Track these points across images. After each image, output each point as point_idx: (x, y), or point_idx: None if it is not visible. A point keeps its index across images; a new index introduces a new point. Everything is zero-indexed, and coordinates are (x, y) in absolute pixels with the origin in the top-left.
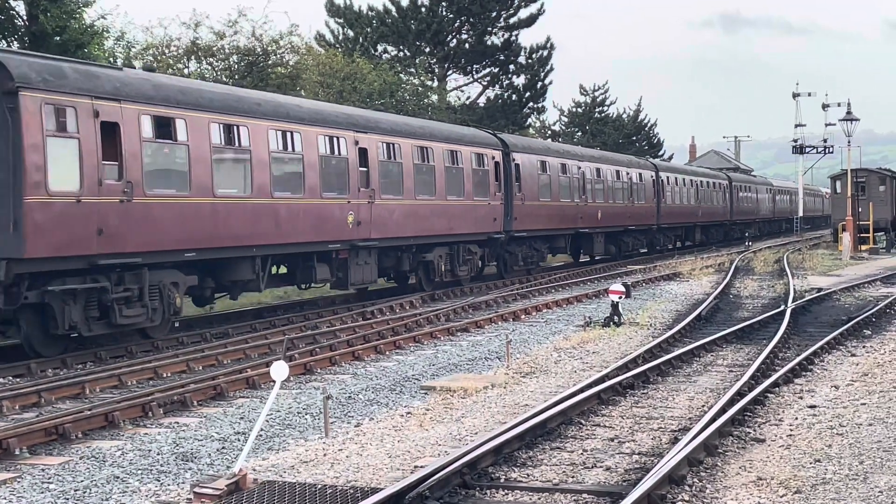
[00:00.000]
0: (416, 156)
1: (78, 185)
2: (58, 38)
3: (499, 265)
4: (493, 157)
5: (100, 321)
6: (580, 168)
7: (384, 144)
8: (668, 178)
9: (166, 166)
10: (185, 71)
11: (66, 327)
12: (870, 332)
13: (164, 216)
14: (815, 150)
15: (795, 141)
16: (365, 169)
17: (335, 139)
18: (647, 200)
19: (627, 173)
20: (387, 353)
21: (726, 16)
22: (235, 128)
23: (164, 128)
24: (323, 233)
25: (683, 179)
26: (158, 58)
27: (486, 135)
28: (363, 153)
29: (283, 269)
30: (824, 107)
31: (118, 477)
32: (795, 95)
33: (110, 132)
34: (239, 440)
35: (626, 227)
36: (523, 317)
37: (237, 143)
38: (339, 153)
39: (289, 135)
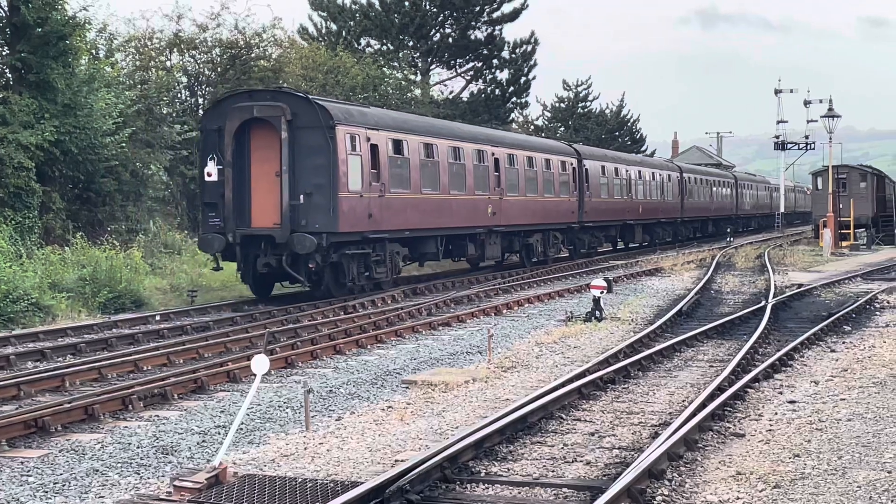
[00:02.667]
0: (526, 163)
1: (360, 186)
2: (39, 30)
3: (573, 249)
4: (572, 164)
5: (364, 276)
6: (628, 171)
7: (507, 155)
8: (689, 178)
9: (399, 173)
10: (168, 63)
11: (349, 279)
12: (850, 328)
13: (397, 207)
14: (796, 147)
15: (777, 137)
16: (497, 174)
17: (481, 152)
18: (674, 197)
19: (660, 174)
20: (368, 347)
21: (703, 12)
22: (433, 146)
23: (398, 146)
24: (474, 220)
25: (702, 179)
26: (140, 50)
27: (567, 146)
28: (496, 162)
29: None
30: (806, 103)
31: (98, 470)
32: (777, 92)
33: (374, 151)
34: (219, 433)
35: (658, 220)
36: (505, 311)
37: (433, 156)
38: (483, 162)
39: (457, 149)
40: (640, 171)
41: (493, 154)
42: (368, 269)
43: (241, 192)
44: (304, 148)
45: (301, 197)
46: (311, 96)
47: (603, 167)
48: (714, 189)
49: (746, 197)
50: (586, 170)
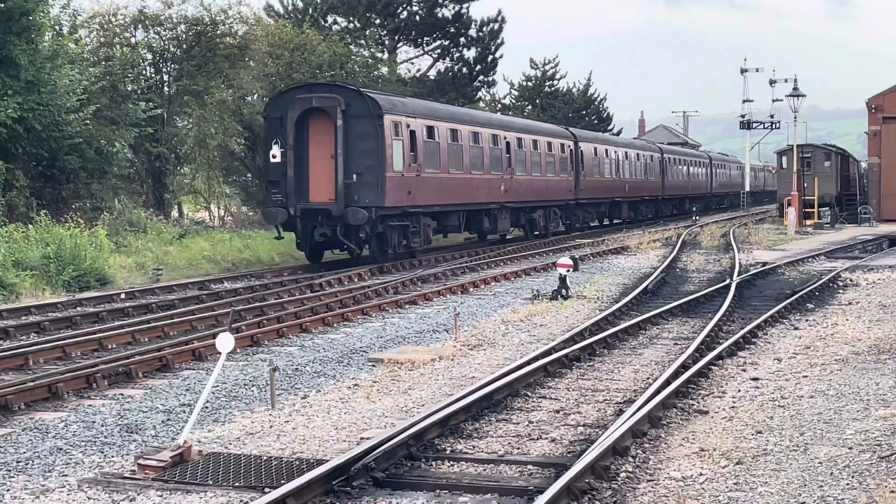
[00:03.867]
0: (532, 146)
1: (402, 167)
2: (1, 5)
3: (570, 224)
4: (569, 146)
5: (402, 244)
6: (616, 152)
7: (516, 139)
8: (669, 158)
9: (431, 155)
10: (132, 40)
11: (391, 247)
12: (813, 306)
13: (430, 185)
14: (762, 126)
15: (743, 116)
16: (508, 155)
17: (495, 136)
18: (656, 177)
19: (643, 155)
20: (335, 325)
21: None
22: (457, 131)
23: (430, 132)
24: (489, 197)
25: (680, 160)
26: (105, 26)
27: (565, 130)
28: (507, 145)
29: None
30: (771, 83)
31: (61, 449)
32: (743, 71)
33: (412, 136)
34: (184, 412)
35: (642, 198)
36: (472, 290)
37: (458, 140)
38: (497, 145)
39: (477, 134)
40: (626, 153)
41: (504, 138)
42: (406, 239)
43: (300, 172)
44: (355, 134)
45: (354, 176)
46: (361, 89)
47: (595, 149)
48: (691, 169)
49: (720, 176)
50: (581, 151)
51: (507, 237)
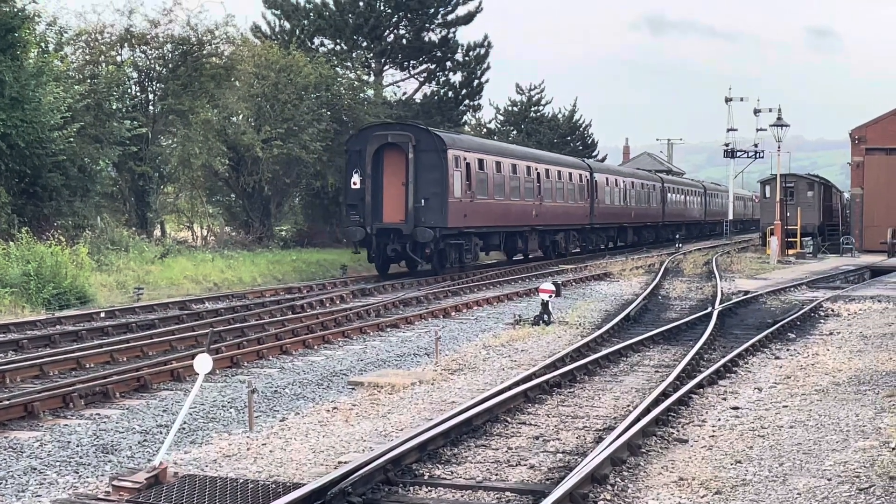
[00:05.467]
0: (557, 176)
1: (460, 194)
2: None
3: (585, 246)
4: (586, 176)
5: (457, 259)
6: (624, 181)
7: (545, 170)
8: (669, 187)
9: (481, 184)
10: (118, 58)
11: (449, 262)
12: (794, 336)
13: (480, 209)
14: (745, 155)
15: (727, 145)
16: (538, 184)
17: (529, 167)
18: (657, 204)
19: (646, 185)
20: (315, 347)
21: (652, 18)
22: (500, 163)
23: (481, 164)
24: (523, 220)
25: (678, 189)
26: (91, 44)
27: (582, 162)
28: (538, 175)
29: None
30: (756, 112)
31: (35, 468)
32: (728, 100)
33: (467, 167)
34: (161, 433)
35: (644, 224)
36: (454, 314)
37: (501, 171)
38: (531, 175)
39: (515, 165)
40: (633, 182)
41: (536, 169)
42: (460, 255)
43: (376, 197)
44: (423, 165)
45: (422, 201)
46: (429, 128)
47: (607, 178)
48: (688, 197)
49: (713, 205)
50: (595, 181)
51: (530, 256)
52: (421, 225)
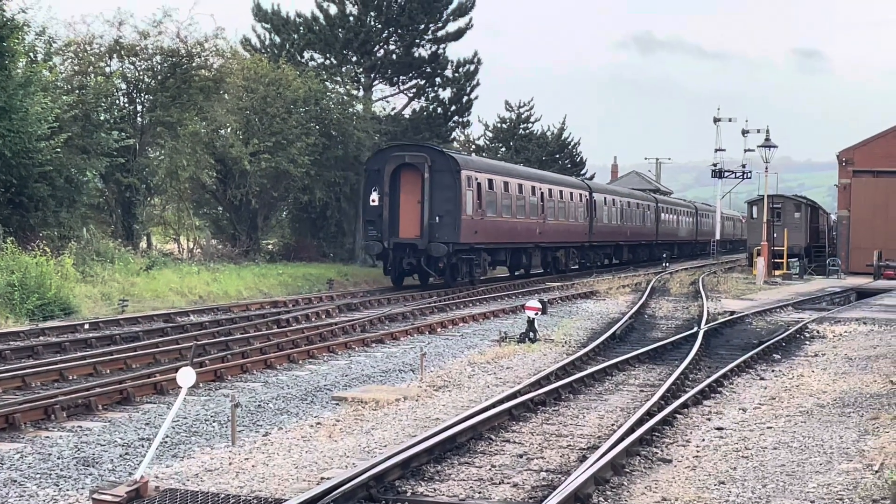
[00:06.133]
0: (559, 195)
1: (471, 211)
2: None
3: (584, 263)
4: (585, 196)
5: (467, 273)
6: (620, 201)
7: (548, 189)
8: (663, 207)
9: (491, 203)
10: (107, 69)
11: (461, 275)
12: (779, 357)
13: (489, 226)
14: (733, 175)
15: (715, 165)
16: (542, 203)
17: (534, 187)
18: (651, 224)
19: (641, 205)
20: (300, 361)
21: (639, 37)
22: (508, 183)
23: (490, 184)
24: (528, 238)
25: (672, 209)
26: (80, 55)
27: (582, 182)
28: (541, 195)
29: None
30: (744, 132)
31: (15, 481)
32: (716, 120)
33: (478, 187)
34: (143, 446)
35: (639, 242)
36: (439, 330)
37: (508, 191)
38: (535, 195)
39: (521, 185)
40: (628, 202)
41: (539, 189)
42: (471, 269)
43: (393, 213)
44: (438, 184)
45: (436, 218)
46: (444, 149)
47: (605, 198)
48: (680, 217)
49: (704, 224)
50: (594, 201)
51: (532, 272)
52: (435, 240)
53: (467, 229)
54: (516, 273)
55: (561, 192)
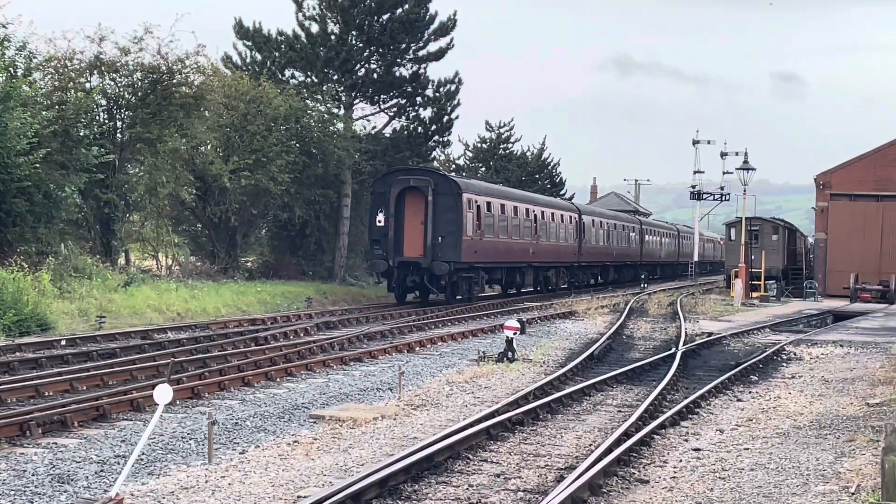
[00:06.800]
0: (550, 217)
1: (471, 232)
2: None
3: (573, 282)
4: (575, 218)
5: (466, 291)
6: (607, 223)
7: (541, 211)
8: (647, 229)
9: (489, 224)
10: (87, 85)
11: (461, 292)
12: (756, 378)
13: (488, 247)
14: (712, 197)
15: (693, 187)
16: (535, 225)
17: (528, 209)
18: (636, 245)
19: (626, 227)
20: (278, 379)
21: (618, 59)
22: (505, 205)
23: (489, 206)
24: (523, 257)
25: (655, 231)
26: (60, 70)
27: (571, 205)
28: (535, 217)
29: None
30: (722, 155)
31: None
32: (695, 142)
33: (478, 209)
34: (119, 463)
35: (624, 263)
36: (418, 349)
37: (505, 213)
38: (529, 217)
39: (516, 207)
40: (615, 224)
41: (533, 211)
42: (470, 286)
43: (398, 233)
44: (441, 207)
45: (439, 238)
46: (447, 174)
47: (593, 220)
48: (663, 239)
49: (685, 246)
50: (584, 223)
51: (523, 290)
52: (438, 259)
53: (468, 249)
54: (509, 291)
55: (552, 214)
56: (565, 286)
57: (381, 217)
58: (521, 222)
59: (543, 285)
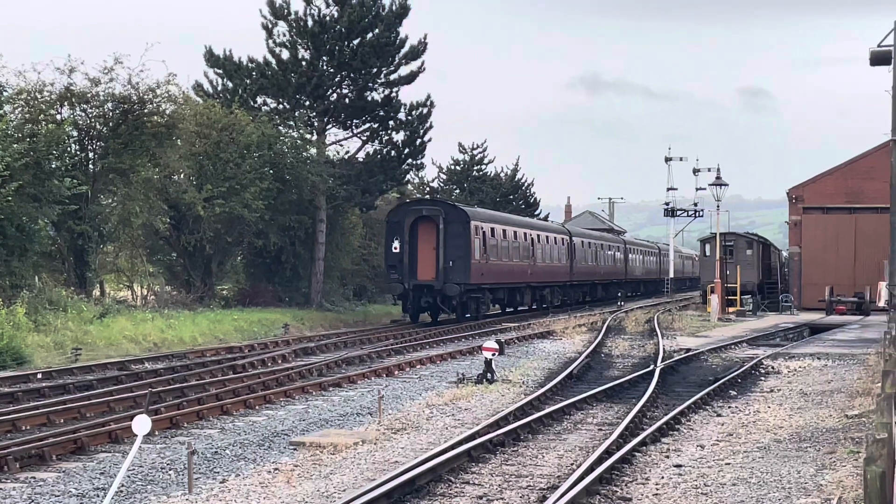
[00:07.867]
0: (545, 240)
1: (478, 256)
2: None
3: (565, 300)
4: (566, 239)
5: (475, 310)
6: (595, 244)
7: (537, 235)
8: (630, 248)
9: (493, 248)
10: (58, 117)
11: (469, 311)
12: (735, 393)
13: (493, 269)
14: (685, 214)
15: (667, 204)
16: (532, 248)
17: (526, 233)
18: (620, 264)
19: (612, 246)
20: (256, 407)
21: (586, 78)
22: (506, 230)
23: (493, 231)
24: (522, 278)
25: (638, 249)
26: (30, 103)
27: (563, 227)
28: (532, 240)
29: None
30: (695, 171)
31: None
32: (668, 160)
33: (484, 235)
34: (98, 496)
35: (610, 281)
36: (397, 372)
37: (507, 237)
38: (527, 240)
39: (516, 232)
40: (601, 244)
41: (530, 234)
42: (477, 306)
43: (412, 259)
44: (451, 234)
45: (450, 262)
46: (456, 203)
47: (582, 241)
48: (645, 257)
49: (666, 264)
50: (574, 244)
51: (520, 308)
52: (450, 281)
53: (476, 271)
54: (508, 310)
55: (547, 237)
56: (558, 304)
57: (396, 244)
58: (521, 245)
59: (539, 303)
